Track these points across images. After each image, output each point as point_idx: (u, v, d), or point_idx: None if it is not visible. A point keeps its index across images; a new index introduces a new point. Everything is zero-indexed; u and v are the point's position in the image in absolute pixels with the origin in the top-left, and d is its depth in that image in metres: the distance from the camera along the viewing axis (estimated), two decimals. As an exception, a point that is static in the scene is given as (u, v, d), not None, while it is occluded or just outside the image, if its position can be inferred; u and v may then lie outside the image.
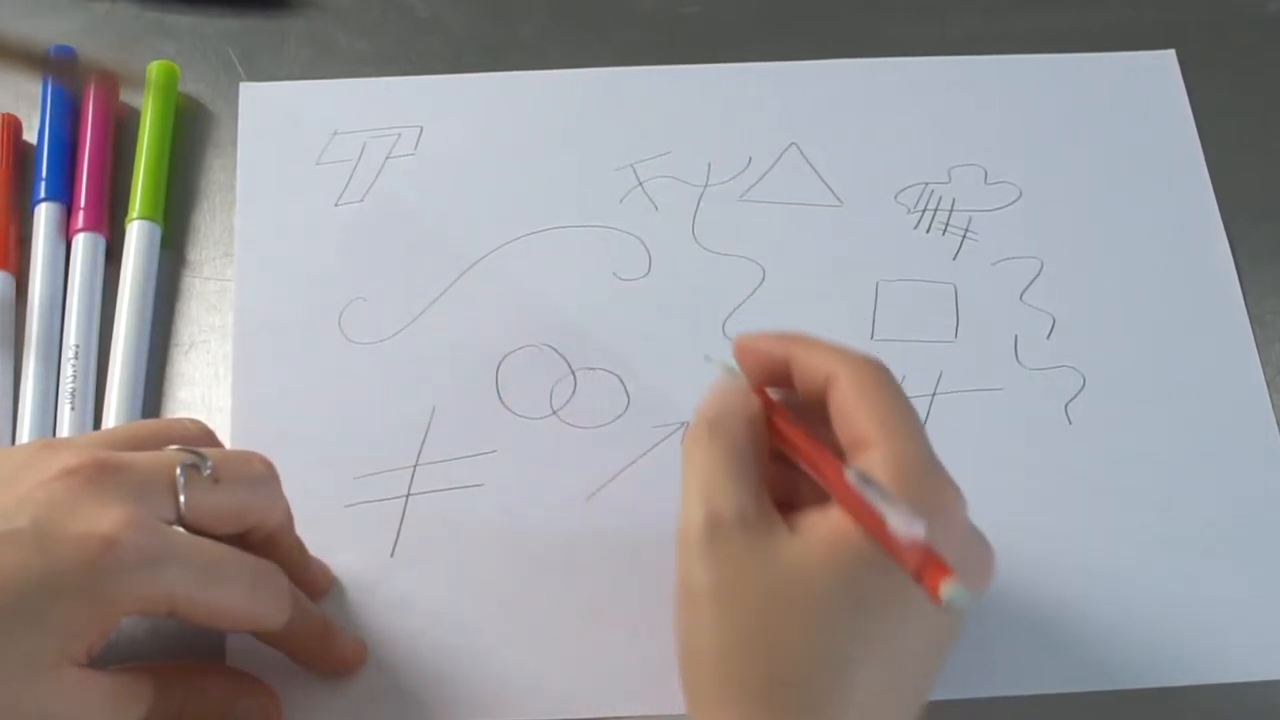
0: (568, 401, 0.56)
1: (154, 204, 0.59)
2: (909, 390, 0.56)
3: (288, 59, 0.63)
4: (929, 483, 0.43)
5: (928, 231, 0.60)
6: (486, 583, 0.52)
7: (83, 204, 0.58)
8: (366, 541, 0.52)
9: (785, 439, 0.46)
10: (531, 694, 0.50)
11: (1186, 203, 0.61)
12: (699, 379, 0.56)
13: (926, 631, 0.44)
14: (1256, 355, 0.57)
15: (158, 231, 0.58)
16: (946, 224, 0.60)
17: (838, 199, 0.61)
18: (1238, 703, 0.51)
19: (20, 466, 0.43)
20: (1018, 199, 0.61)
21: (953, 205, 0.60)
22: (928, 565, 0.40)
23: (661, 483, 0.54)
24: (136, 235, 0.58)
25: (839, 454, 0.45)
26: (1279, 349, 0.58)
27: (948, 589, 0.39)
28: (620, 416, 0.55)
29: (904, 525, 0.40)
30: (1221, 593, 0.52)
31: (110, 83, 0.60)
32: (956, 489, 0.44)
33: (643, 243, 0.59)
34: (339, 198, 0.60)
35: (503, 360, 0.56)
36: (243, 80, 0.62)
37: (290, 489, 0.48)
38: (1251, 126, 0.63)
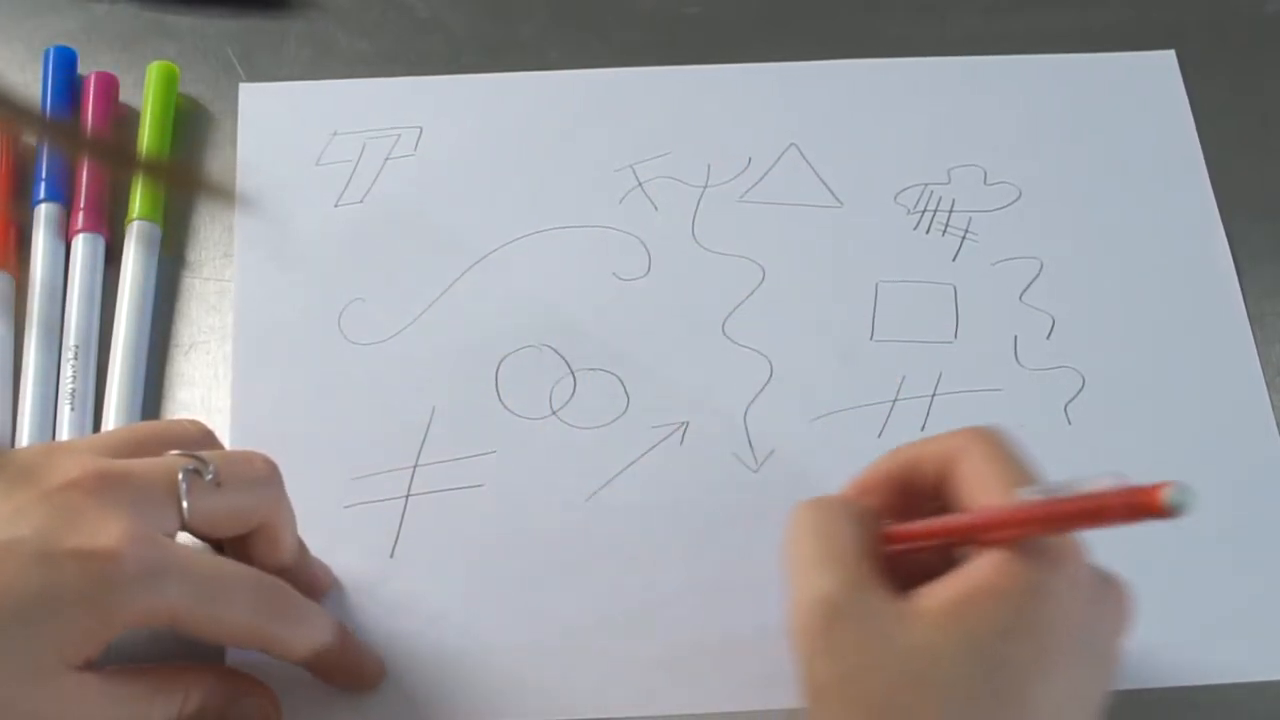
0: (568, 402, 0.56)
1: (154, 204, 0.59)
2: (909, 390, 0.56)
3: (288, 59, 0.63)
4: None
5: (927, 232, 0.60)
6: (486, 583, 0.52)
7: (82, 204, 0.58)
8: (366, 542, 0.52)
9: (907, 533, 0.45)
10: (532, 694, 0.50)
11: (1186, 203, 0.61)
12: (699, 379, 0.56)
13: (1067, 689, 0.42)
14: (1256, 355, 0.57)
15: (157, 232, 0.58)
16: (946, 224, 0.60)
17: (837, 199, 0.61)
18: (1238, 703, 0.51)
19: (23, 473, 0.43)
20: (1017, 199, 0.61)
21: (952, 206, 0.60)
22: (1137, 494, 0.38)
23: (661, 483, 0.54)
24: (136, 236, 0.58)
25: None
26: (1279, 349, 0.58)
27: (1167, 495, 0.37)
28: (620, 416, 0.55)
29: (1098, 484, 0.39)
30: (1221, 593, 0.52)
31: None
32: (1077, 539, 0.43)
33: (642, 243, 0.59)
34: (339, 198, 0.60)
35: (503, 360, 0.56)
36: (242, 80, 0.62)
37: (290, 489, 0.48)
38: (1251, 126, 0.63)
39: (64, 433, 0.54)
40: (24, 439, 0.53)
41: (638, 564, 0.52)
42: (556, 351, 0.57)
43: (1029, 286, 0.59)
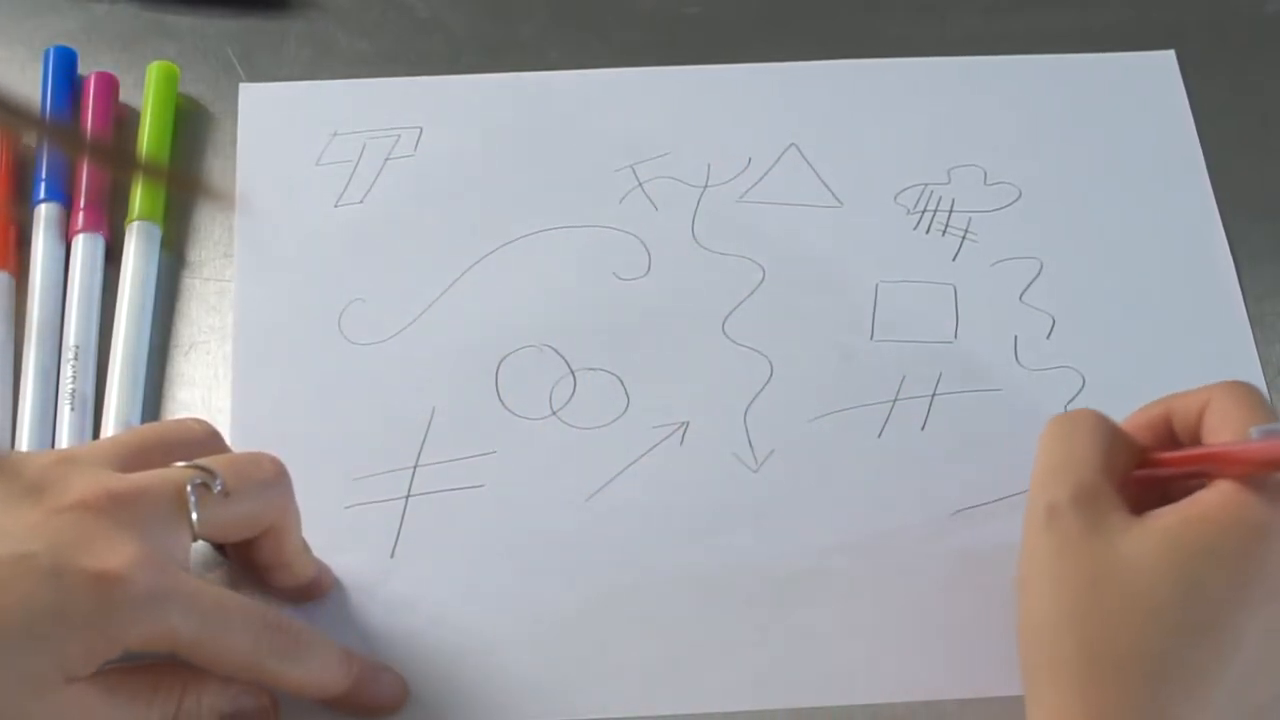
0: (568, 402, 0.56)
1: (154, 204, 0.58)
2: (909, 390, 0.56)
3: (288, 59, 0.63)
4: None
5: (927, 232, 0.60)
6: (486, 583, 0.52)
7: (82, 204, 0.58)
8: (366, 542, 0.52)
9: (1154, 459, 0.48)
10: (532, 694, 0.50)
11: (1186, 203, 0.61)
12: (699, 379, 0.56)
13: (1268, 630, 0.44)
14: (1256, 355, 0.57)
15: (157, 232, 0.58)
16: (946, 224, 0.60)
17: (837, 199, 0.61)
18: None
19: (33, 487, 0.44)
20: (1017, 199, 0.61)
21: (952, 206, 0.60)
22: None
23: (661, 483, 0.54)
24: (136, 236, 0.58)
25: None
26: (1279, 349, 0.58)
27: None
28: (620, 417, 0.55)
29: None
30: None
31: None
32: None
33: (643, 243, 0.59)
34: (339, 198, 0.60)
35: (503, 360, 0.56)
36: (242, 81, 0.62)
37: (291, 490, 0.48)
38: (1251, 126, 0.63)
39: (64, 433, 0.53)
40: (24, 439, 0.53)
41: (638, 564, 0.52)
42: (556, 351, 0.57)
43: (1029, 286, 0.59)
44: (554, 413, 0.55)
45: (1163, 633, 0.43)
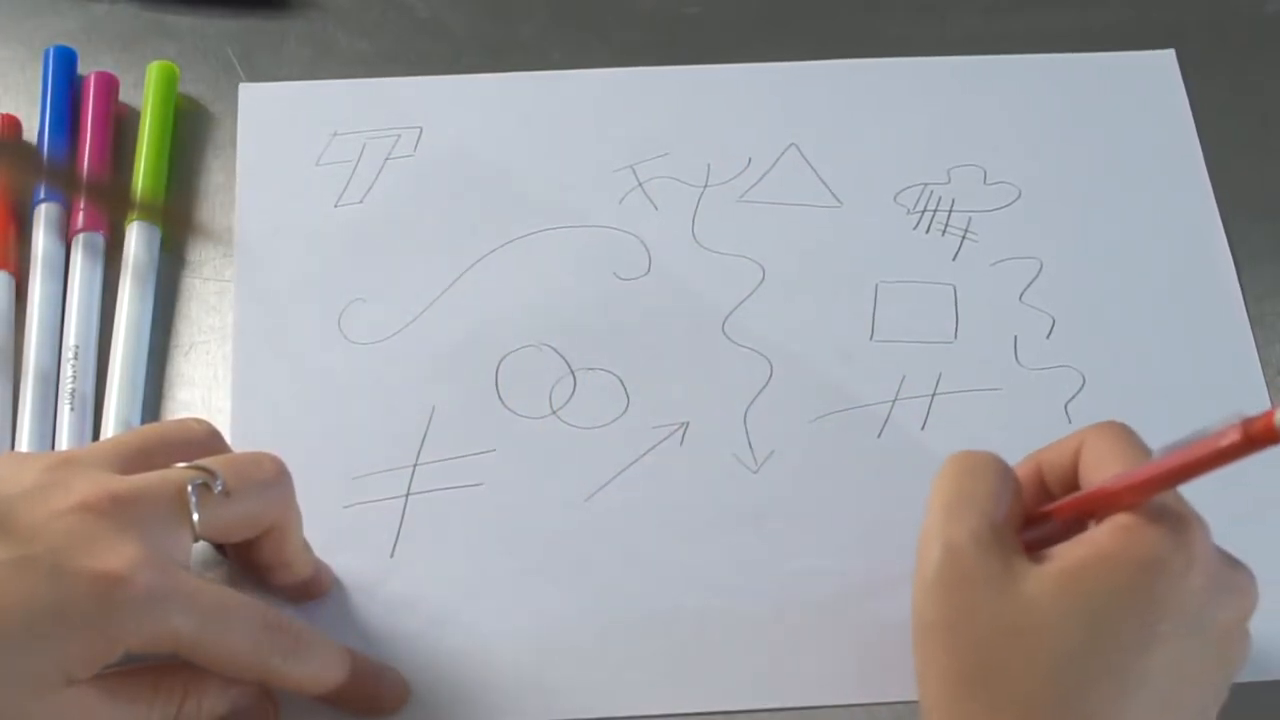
0: (567, 401, 0.56)
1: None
2: (909, 390, 0.56)
3: (287, 59, 0.63)
4: (1179, 507, 0.44)
5: (927, 232, 0.60)
6: (486, 583, 0.52)
7: (82, 204, 0.58)
8: (366, 542, 0.52)
9: (1037, 514, 0.46)
10: (531, 694, 0.50)
11: (1186, 203, 0.61)
12: (699, 379, 0.56)
13: (1174, 668, 0.43)
14: (1256, 355, 0.57)
15: (157, 232, 0.58)
16: (946, 224, 0.60)
17: (837, 199, 0.61)
18: (1239, 703, 0.51)
19: (34, 488, 0.44)
20: (1017, 199, 0.61)
21: (952, 206, 0.60)
22: (1250, 424, 0.38)
23: (661, 483, 0.54)
24: (136, 236, 0.58)
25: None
26: (1279, 349, 0.58)
27: None
28: (620, 416, 0.55)
29: (1226, 419, 0.39)
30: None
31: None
32: (1201, 520, 0.44)
33: (642, 243, 0.59)
34: (339, 199, 0.60)
35: (503, 360, 0.56)
36: (242, 81, 0.62)
37: (290, 489, 0.48)
38: (1251, 126, 0.63)
39: (64, 433, 0.54)
40: (24, 439, 0.53)
41: (638, 564, 0.52)
42: (556, 351, 0.57)
43: (1029, 286, 0.59)
44: (554, 412, 0.55)
45: (1072, 678, 0.42)
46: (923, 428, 0.55)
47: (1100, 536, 0.43)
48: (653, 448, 0.55)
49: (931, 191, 0.61)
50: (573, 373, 0.56)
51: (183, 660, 0.44)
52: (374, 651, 0.50)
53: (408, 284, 0.58)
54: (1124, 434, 0.46)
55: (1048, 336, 0.58)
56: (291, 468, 0.48)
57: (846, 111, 0.63)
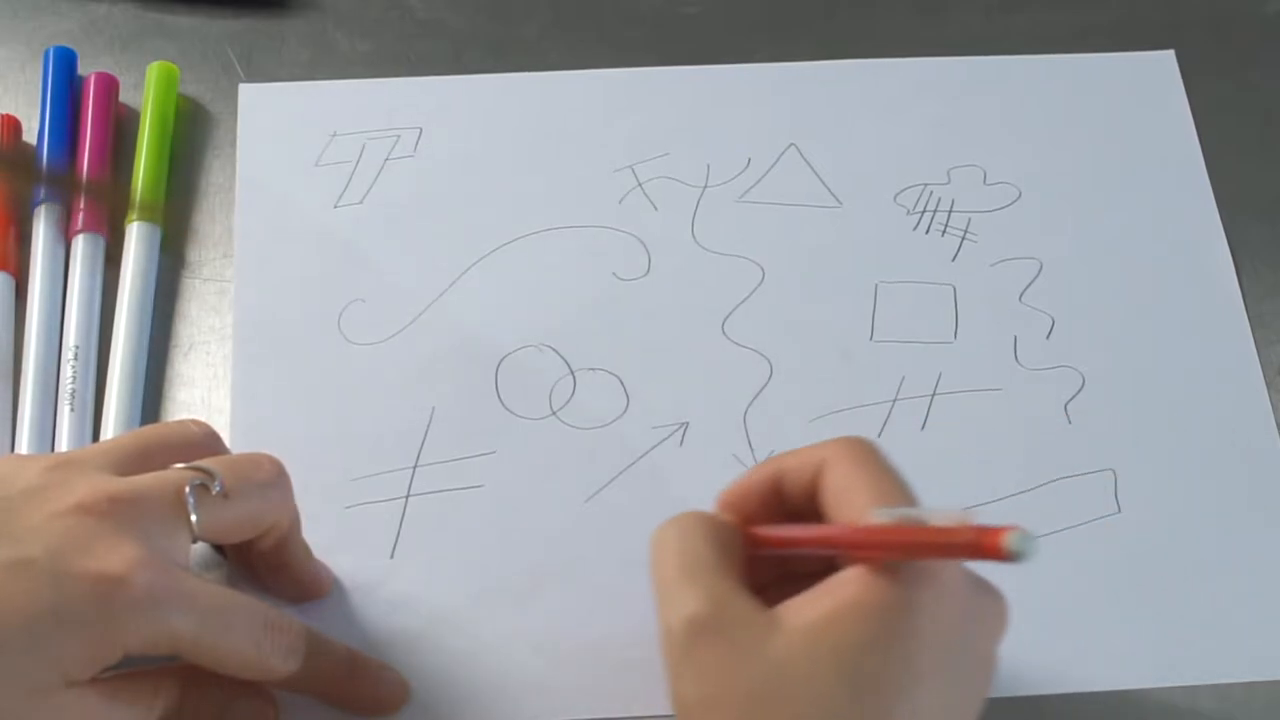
0: (567, 402, 0.56)
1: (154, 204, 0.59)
2: (909, 390, 0.56)
3: (287, 59, 0.63)
4: None
5: (927, 232, 0.60)
6: (486, 584, 0.52)
7: (82, 204, 0.58)
8: (366, 543, 0.52)
9: (772, 538, 0.45)
10: (531, 694, 0.50)
11: (1186, 203, 0.61)
12: (698, 379, 0.56)
13: (935, 703, 0.42)
14: (1256, 355, 0.57)
15: (157, 232, 0.58)
16: (946, 225, 0.60)
17: (837, 200, 0.61)
18: (1239, 703, 0.51)
19: (32, 490, 0.44)
20: (1017, 199, 0.61)
21: (952, 206, 0.60)
22: (983, 536, 0.38)
23: (661, 483, 0.54)
24: (136, 236, 0.58)
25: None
26: (1279, 349, 0.58)
27: (1010, 540, 0.37)
28: (620, 417, 0.55)
29: (948, 517, 0.39)
30: (1221, 593, 0.52)
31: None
32: None
33: (642, 243, 0.59)
34: (338, 199, 0.60)
35: (502, 360, 0.56)
36: (242, 81, 0.62)
37: (290, 490, 0.48)
38: (1251, 126, 0.63)
39: (64, 433, 0.54)
40: (24, 439, 0.53)
41: (638, 564, 0.52)
42: (556, 351, 0.57)
43: (1029, 286, 0.59)
44: (554, 413, 0.55)
45: None
46: (923, 428, 0.55)
47: (847, 591, 0.41)
48: (653, 448, 0.55)
49: (931, 192, 0.61)
50: (572, 373, 0.56)
51: (183, 661, 0.44)
52: (374, 651, 0.50)
53: (408, 284, 0.58)
54: (868, 457, 0.44)
55: (1047, 336, 0.58)
56: (291, 469, 0.48)
57: (846, 111, 0.63)
